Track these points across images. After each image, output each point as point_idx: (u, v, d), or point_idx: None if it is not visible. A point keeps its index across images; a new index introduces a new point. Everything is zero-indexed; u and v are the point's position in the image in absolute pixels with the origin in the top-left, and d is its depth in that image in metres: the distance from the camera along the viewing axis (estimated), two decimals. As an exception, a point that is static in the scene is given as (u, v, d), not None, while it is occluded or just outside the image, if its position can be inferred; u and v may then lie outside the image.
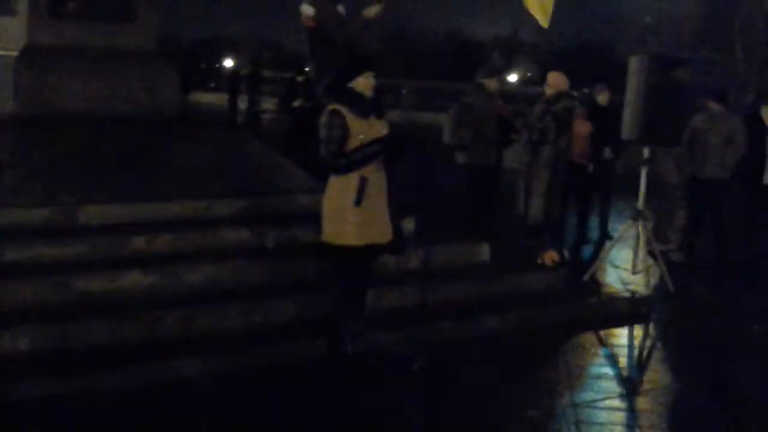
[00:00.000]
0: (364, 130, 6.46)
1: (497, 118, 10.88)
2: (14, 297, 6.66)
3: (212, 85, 50.39)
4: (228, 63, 55.01)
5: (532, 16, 10.24)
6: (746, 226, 11.58)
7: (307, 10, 8.58)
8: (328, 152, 6.45)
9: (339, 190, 6.51)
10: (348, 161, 6.42)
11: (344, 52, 8.07)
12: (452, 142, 10.85)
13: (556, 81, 10.60)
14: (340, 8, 8.66)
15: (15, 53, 8.65)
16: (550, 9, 10.16)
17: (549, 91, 10.52)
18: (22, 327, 6.36)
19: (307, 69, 9.55)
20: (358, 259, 6.58)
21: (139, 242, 7.53)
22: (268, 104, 32.04)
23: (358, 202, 6.42)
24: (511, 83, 50.68)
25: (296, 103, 13.13)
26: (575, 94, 10.94)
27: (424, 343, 7.00)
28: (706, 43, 26.73)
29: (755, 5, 26.32)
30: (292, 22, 9.32)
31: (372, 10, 8.61)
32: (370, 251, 6.64)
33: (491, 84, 10.98)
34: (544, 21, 10.26)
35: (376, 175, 6.54)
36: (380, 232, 6.63)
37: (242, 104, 32.22)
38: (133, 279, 7.13)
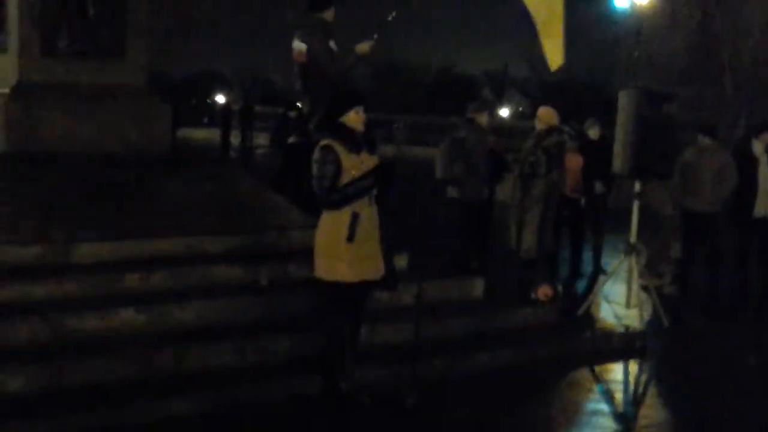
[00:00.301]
0: (356, 165, 6.47)
1: (489, 153, 10.91)
2: (7, 336, 6.61)
3: (204, 120, 50.50)
4: (220, 99, 55.19)
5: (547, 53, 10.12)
6: (738, 260, 11.58)
7: (299, 45, 8.59)
8: (321, 188, 6.45)
9: (331, 226, 6.51)
10: (341, 195, 6.42)
11: (336, 88, 8.06)
12: (444, 176, 10.87)
13: (546, 115, 10.63)
14: (332, 44, 8.67)
15: (6, 91, 8.66)
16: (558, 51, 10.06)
17: (539, 125, 10.54)
18: (15, 367, 6.32)
19: (299, 104, 9.56)
20: (351, 295, 6.57)
21: (132, 280, 7.50)
22: (261, 139, 32.15)
23: (350, 237, 6.42)
24: (503, 117, 50.91)
25: (291, 140, 13.13)
26: (566, 128, 10.96)
27: (418, 380, 6.96)
28: (696, 78, 26.88)
29: (743, 40, 26.52)
30: (283, 57, 9.43)
31: (364, 46, 8.63)
32: (362, 287, 6.62)
33: (482, 119, 11.02)
34: (554, 64, 10.18)
35: (368, 211, 6.54)
36: (373, 268, 6.62)
37: (234, 140, 32.33)
38: (126, 317, 7.10)
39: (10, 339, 6.60)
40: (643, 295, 9.87)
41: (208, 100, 59.83)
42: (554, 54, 9.85)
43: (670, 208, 11.59)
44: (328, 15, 8.74)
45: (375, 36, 8.68)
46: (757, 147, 11.32)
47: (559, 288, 10.63)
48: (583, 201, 11.69)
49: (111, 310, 7.07)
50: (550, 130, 10.45)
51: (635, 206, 9.90)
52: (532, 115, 11.10)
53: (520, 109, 54.71)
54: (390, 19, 8.80)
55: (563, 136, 10.49)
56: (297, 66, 8.70)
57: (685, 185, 11.18)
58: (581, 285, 11.62)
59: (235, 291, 7.80)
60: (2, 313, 6.78)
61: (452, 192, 10.89)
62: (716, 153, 11.25)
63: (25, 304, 6.94)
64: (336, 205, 6.45)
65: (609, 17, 30.64)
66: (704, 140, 11.31)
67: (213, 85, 64.17)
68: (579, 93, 43.49)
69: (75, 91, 8.91)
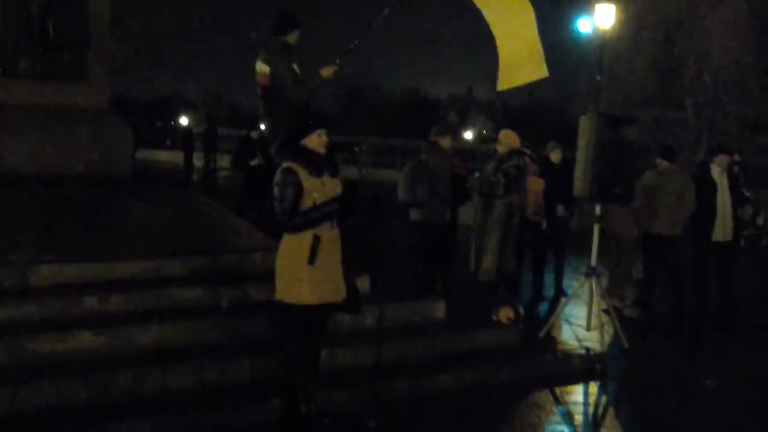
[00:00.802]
0: (317, 188, 6.48)
1: (451, 176, 10.97)
2: (-38, 359, 6.54)
3: (168, 143, 50.31)
4: (183, 121, 54.99)
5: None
6: (698, 282, 11.71)
7: (262, 67, 8.58)
8: (283, 210, 6.45)
9: (292, 249, 6.50)
10: (303, 219, 6.42)
11: (297, 110, 8.07)
12: (407, 199, 10.90)
13: (507, 139, 10.73)
14: (295, 66, 8.68)
15: (-34, 113, 8.60)
16: (518, 80, 9.94)
17: (501, 148, 10.64)
18: (-30, 390, 6.24)
19: (261, 127, 9.55)
20: (311, 318, 6.56)
21: (90, 302, 7.46)
22: (224, 162, 32.07)
23: (311, 260, 6.42)
24: (467, 140, 51.12)
25: (253, 162, 13.12)
26: (527, 151, 11.04)
27: (380, 402, 6.96)
28: (657, 101, 27.18)
29: (704, 63, 26.86)
30: (248, 79, 9.43)
31: (328, 71, 8.65)
32: (323, 309, 6.62)
33: (445, 142, 11.09)
34: (503, 84, 10.06)
35: (330, 234, 6.54)
36: (334, 290, 6.62)
37: (197, 162, 32.22)
38: (84, 339, 7.04)
39: (-34, 362, 6.54)
40: (604, 318, 9.93)
41: (172, 122, 59.61)
42: (507, 74, 9.80)
43: (632, 231, 11.66)
44: (292, 38, 8.76)
45: (338, 61, 8.71)
46: (715, 171, 11.48)
47: (521, 310, 10.67)
48: (544, 224, 11.77)
49: (69, 332, 7.02)
50: (511, 153, 10.54)
51: (596, 229, 9.97)
52: (496, 138, 11.17)
53: (484, 132, 55.01)
54: (353, 46, 8.83)
55: (523, 159, 10.57)
56: (259, 88, 8.70)
57: (646, 208, 11.30)
58: (543, 307, 11.68)
59: (195, 313, 7.77)
60: (-42, 335, 6.71)
61: (414, 214, 10.92)
62: (675, 176, 11.39)
63: (-19, 327, 6.88)
64: (298, 229, 6.45)
65: (572, 41, 30.90)
66: (662, 163, 11.45)
67: (178, 107, 63.96)
68: (542, 116, 43.82)
69: (36, 113, 8.86)
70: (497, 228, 10.26)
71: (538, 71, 9.71)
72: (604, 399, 8.44)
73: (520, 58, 9.62)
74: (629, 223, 11.60)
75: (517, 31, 9.57)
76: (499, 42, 9.57)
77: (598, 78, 18.21)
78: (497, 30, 9.58)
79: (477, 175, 10.86)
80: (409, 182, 10.90)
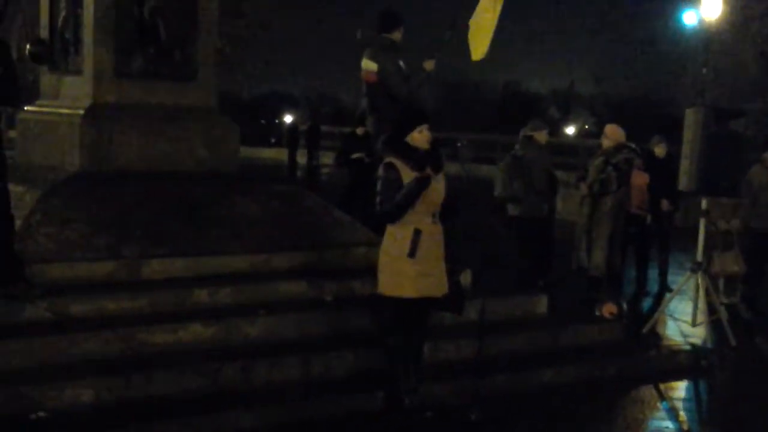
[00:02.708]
0: (420, 183, 6.54)
1: (548, 170, 10.95)
2: (78, 349, 6.79)
3: (272, 140, 50.97)
4: (287, 118, 55.65)
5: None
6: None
7: (370, 64, 8.68)
8: (381, 205, 6.55)
9: (394, 242, 6.60)
10: (392, 206, 6.50)
11: (406, 107, 8.16)
12: (504, 194, 10.89)
13: (614, 133, 10.65)
14: (402, 63, 8.76)
15: (81, 111, 8.88)
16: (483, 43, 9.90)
17: (607, 143, 10.56)
18: (86, 379, 6.48)
19: (367, 123, 9.67)
20: (413, 312, 6.63)
21: (200, 295, 7.66)
22: (327, 159, 32.36)
23: (412, 253, 6.49)
24: (568, 135, 50.60)
25: (355, 156, 13.25)
26: (632, 145, 10.91)
27: (481, 395, 7.00)
28: (765, 93, 26.53)
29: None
30: (351, 77, 9.52)
31: (431, 63, 8.72)
32: (425, 303, 6.68)
33: (541, 136, 11.06)
34: (476, 54, 10.03)
35: (431, 228, 6.61)
36: (436, 284, 6.68)
37: (301, 159, 32.57)
38: (194, 331, 7.24)
39: (81, 352, 6.78)
40: (711, 314, 9.78)
41: (277, 120, 60.36)
42: (479, 45, 9.73)
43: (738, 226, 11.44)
44: (397, 35, 8.84)
45: (437, 54, 8.76)
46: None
47: (624, 306, 10.57)
48: (649, 218, 11.63)
49: (180, 324, 7.22)
50: (619, 147, 10.46)
51: (702, 224, 9.83)
52: (598, 133, 11.10)
53: (586, 126, 54.34)
54: (447, 39, 8.88)
55: (632, 152, 10.46)
56: (365, 85, 8.79)
57: (752, 203, 11.08)
58: (647, 303, 11.55)
59: (300, 306, 7.91)
60: (74, 327, 6.97)
61: (513, 210, 10.91)
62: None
63: (96, 319, 7.12)
64: (390, 217, 6.54)
65: (677, 33, 30.37)
66: (770, 156, 11.21)
67: (282, 106, 64.72)
68: (646, 110, 43.11)
69: (148, 112, 9.11)
70: (607, 222, 10.19)
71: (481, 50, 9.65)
72: (709, 396, 8.33)
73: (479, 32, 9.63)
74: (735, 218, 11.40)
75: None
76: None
77: (704, 70, 17.91)
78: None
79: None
80: (505, 177, 10.90)
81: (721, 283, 11.33)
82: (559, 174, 11.74)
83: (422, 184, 6.46)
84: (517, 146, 11.14)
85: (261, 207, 8.91)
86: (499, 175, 11.02)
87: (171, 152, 9.12)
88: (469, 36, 9.59)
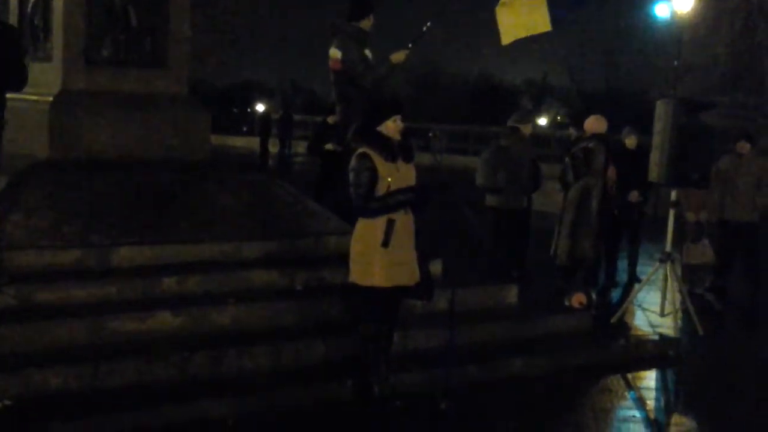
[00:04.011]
0: (392, 173, 6.55)
1: (531, 162, 10.97)
2: (46, 337, 6.76)
3: (244, 129, 50.82)
4: (260, 107, 55.48)
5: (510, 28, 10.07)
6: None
7: (335, 52, 8.71)
8: (358, 195, 6.55)
9: (366, 232, 6.60)
10: (380, 205, 6.51)
11: (371, 96, 8.18)
12: (486, 184, 10.90)
13: (588, 124, 10.69)
14: (368, 52, 8.78)
15: (50, 98, 8.82)
16: (521, 32, 10.03)
17: (585, 134, 10.60)
18: (54, 367, 6.44)
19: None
20: (384, 301, 6.64)
21: (169, 283, 7.63)
22: (300, 148, 32.32)
23: (385, 243, 6.50)
24: (541, 126, 50.74)
25: (328, 147, 13.22)
26: (603, 136, 10.86)
27: (452, 385, 7.02)
28: (736, 86, 26.73)
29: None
30: (323, 66, 9.57)
31: (400, 55, 8.72)
32: (396, 292, 6.69)
33: (526, 128, 11.08)
34: (506, 38, 10.15)
35: (403, 218, 6.62)
36: (407, 273, 6.69)
37: (273, 148, 32.54)
38: (163, 319, 7.22)
39: (49, 340, 6.75)
40: (678, 303, 9.85)
41: (249, 109, 60.16)
42: (509, 27, 9.84)
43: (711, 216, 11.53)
44: (366, 24, 8.84)
45: (410, 45, 8.77)
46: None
47: (594, 296, 10.63)
48: (616, 211, 11.66)
49: (148, 312, 7.20)
50: (587, 138, 10.49)
51: (671, 215, 9.89)
52: (571, 124, 11.17)
53: (559, 118, 54.54)
54: (425, 30, 8.89)
55: (596, 142, 10.45)
56: (332, 73, 8.82)
57: (722, 193, 11.17)
58: (616, 293, 11.62)
59: (271, 295, 7.90)
60: (42, 314, 6.93)
61: (492, 200, 10.92)
62: (754, 160, 11.23)
63: (64, 307, 7.09)
64: (374, 214, 6.54)
65: (649, 26, 30.53)
66: (744, 146, 11.27)
67: (254, 94, 64.49)
68: (618, 102, 43.31)
69: (118, 99, 9.05)
70: (570, 212, 10.23)
71: (542, 23, 9.82)
72: (676, 385, 8.40)
73: (521, 10, 9.68)
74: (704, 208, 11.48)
75: None
76: None
77: (676, 63, 18.00)
78: None
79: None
80: (489, 167, 10.89)
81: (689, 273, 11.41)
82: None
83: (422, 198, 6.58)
84: (501, 137, 11.13)
85: (232, 195, 8.88)
86: (482, 164, 11.01)
87: (141, 140, 9.07)
88: (505, 17, 9.66)
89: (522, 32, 9.98)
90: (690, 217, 11.42)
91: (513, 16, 9.81)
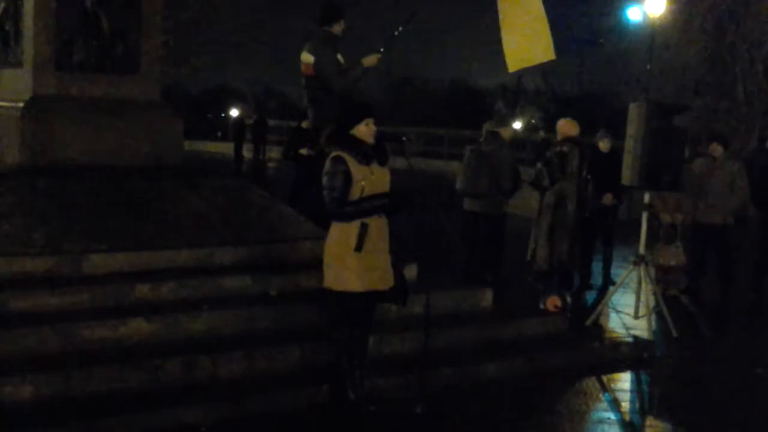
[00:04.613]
0: (366, 177, 6.54)
1: (510, 167, 10.95)
2: (18, 345, 6.68)
3: (218, 134, 50.65)
4: (234, 112, 55.31)
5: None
6: (754, 271, 11.68)
7: (307, 57, 8.73)
8: (332, 199, 6.53)
9: (340, 237, 6.58)
10: (355, 209, 6.49)
11: (343, 100, 8.19)
12: (468, 189, 10.85)
13: (561, 127, 10.72)
14: (339, 56, 8.80)
15: (20, 104, 8.75)
16: (526, 61, 10.24)
17: (559, 137, 10.63)
18: (26, 375, 6.38)
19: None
20: (359, 305, 6.63)
21: (142, 290, 7.58)
22: (274, 153, 32.27)
23: (358, 248, 6.48)
24: (516, 130, 50.84)
25: (302, 151, 13.20)
26: (577, 139, 10.91)
27: (426, 389, 7.01)
28: (708, 90, 26.89)
29: (756, 51, 26.51)
30: (297, 71, 9.61)
31: (371, 59, 8.74)
32: (371, 297, 6.68)
33: (506, 133, 11.07)
34: (513, 66, 10.33)
35: (377, 222, 6.61)
36: (381, 278, 6.68)
37: (248, 153, 32.47)
38: (136, 326, 7.16)
39: (21, 348, 6.68)
40: (653, 306, 9.89)
41: (223, 114, 59.97)
42: (516, 55, 10.00)
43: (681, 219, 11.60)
44: (337, 28, 8.87)
45: (381, 49, 8.79)
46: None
47: (568, 298, 10.65)
48: (587, 214, 11.68)
49: (121, 320, 7.14)
50: (561, 142, 10.52)
51: (644, 217, 9.93)
52: (545, 128, 11.21)
53: (533, 121, 54.68)
54: (396, 34, 8.91)
55: (571, 146, 10.48)
56: (304, 78, 8.84)
57: (696, 196, 11.22)
58: (591, 296, 11.65)
59: (245, 301, 7.87)
60: (13, 322, 6.86)
61: (472, 205, 10.89)
62: (727, 163, 11.29)
63: (36, 314, 7.02)
64: (348, 218, 6.52)
65: (622, 30, 30.67)
66: (717, 148, 11.33)
67: (228, 100, 64.30)
68: (592, 105, 43.48)
69: (89, 105, 9.00)
70: (546, 216, 10.25)
71: (546, 53, 10.02)
72: (651, 387, 8.43)
73: (526, 39, 9.81)
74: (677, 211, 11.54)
75: (523, 11, 9.74)
76: (505, 22, 9.78)
77: (649, 66, 18.09)
78: (504, 10, 9.78)
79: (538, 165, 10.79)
80: (470, 172, 10.82)
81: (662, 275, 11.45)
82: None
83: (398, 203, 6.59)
84: (481, 141, 11.12)
85: (205, 201, 8.85)
86: (463, 169, 10.97)
87: (113, 146, 9.02)
88: (511, 45, 9.80)
89: (527, 62, 10.18)
90: (665, 218, 11.47)
91: (518, 44, 9.94)
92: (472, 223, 10.95)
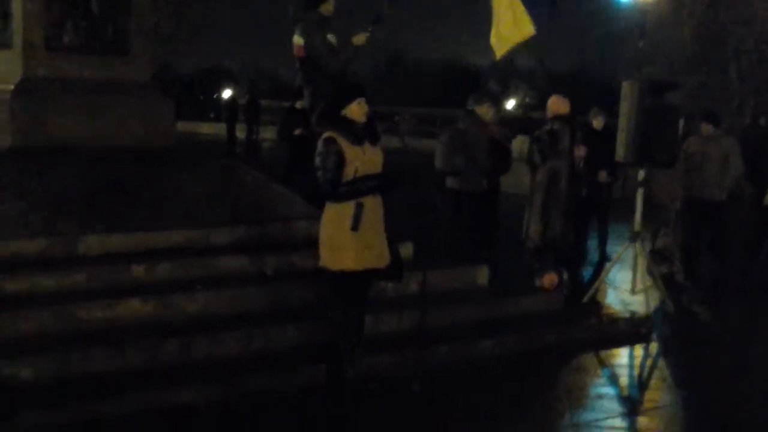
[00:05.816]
0: (359, 157, 6.52)
1: (490, 144, 10.90)
2: (15, 327, 6.68)
3: (211, 115, 50.51)
4: (226, 93, 55.18)
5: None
6: (747, 247, 11.68)
7: (298, 40, 8.72)
8: (326, 180, 6.50)
9: (336, 216, 6.56)
10: (349, 190, 6.47)
11: (335, 80, 8.17)
12: (444, 167, 10.84)
13: (552, 104, 10.69)
14: (330, 37, 8.78)
15: (10, 87, 8.71)
16: (509, 43, 10.31)
17: (548, 114, 10.61)
18: (24, 357, 6.37)
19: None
20: (356, 284, 6.61)
21: (138, 271, 7.56)
22: (267, 133, 32.16)
23: (354, 227, 6.47)
24: (508, 109, 50.82)
25: (297, 132, 13.18)
26: (567, 117, 10.88)
27: (423, 366, 7.01)
28: (701, 67, 26.84)
29: (748, 28, 26.47)
30: (288, 51, 9.58)
31: (360, 38, 8.72)
32: (367, 276, 6.67)
33: (482, 110, 11.02)
34: (499, 52, 10.44)
35: (372, 201, 6.59)
36: (377, 256, 6.67)
37: (241, 134, 32.36)
38: (132, 307, 7.15)
39: (18, 330, 6.67)
40: (649, 282, 9.90)
41: (215, 95, 59.82)
42: (500, 40, 10.10)
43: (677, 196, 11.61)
44: (326, 8, 8.84)
45: (370, 28, 8.76)
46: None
47: (565, 275, 10.65)
48: (584, 191, 11.68)
49: (117, 300, 7.13)
50: (553, 119, 10.50)
51: (639, 194, 9.93)
52: (538, 106, 11.20)
53: (527, 100, 54.67)
54: (384, 11, 8.89)
55: (562, 124, 10.45)
56: (297, 60, 8.83)
57: (690, 174, 11.22)
58: (587, 273, 11.66)
59: (241, 281, 7.86)
60: (11, 304, 6.85)
61: (452, 183, 10.88)
62: (720, 140, 11.28)
63: (32, 296, 7.01)
64: (343, 198, 6.50)
65: (615, 8, 30.61)
66: (707, 128, 11.34)
67: (220, 80, 64.16)
68: (586, 83, 43.47)
69: (80, 86, 8.96)
70: (539, 194, 10.24)
71: (527, 29, 10.22)
72: (648, 362, 8.45)
73: (506, 23, 10.11)
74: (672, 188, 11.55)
75: None
76: (497, 11, 9.91)
77: (641, 44, 18.04)
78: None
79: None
80: (446, 151, 10.82)
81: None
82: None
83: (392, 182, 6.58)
84: (459, 120, 11.10)
85: (199, 182, 8.83)
86: (440, 148, 10.97)
87: (105, 127, 8.99)
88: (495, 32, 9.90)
89: (510, 43, 10.22)
90: (659, 196, 11.48)
91: (501, 32, 10.03)
92: (456, 200, 10.91)
